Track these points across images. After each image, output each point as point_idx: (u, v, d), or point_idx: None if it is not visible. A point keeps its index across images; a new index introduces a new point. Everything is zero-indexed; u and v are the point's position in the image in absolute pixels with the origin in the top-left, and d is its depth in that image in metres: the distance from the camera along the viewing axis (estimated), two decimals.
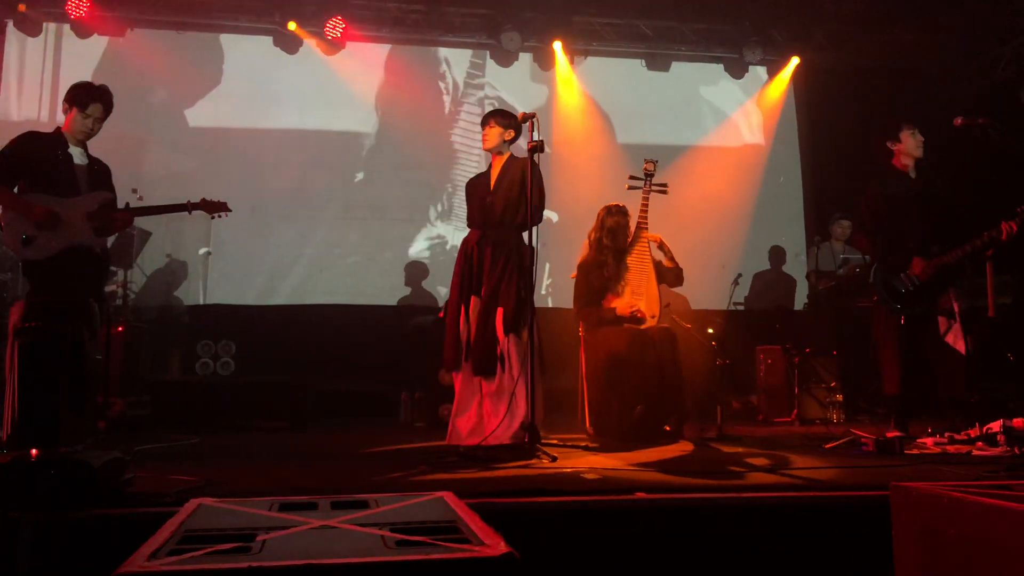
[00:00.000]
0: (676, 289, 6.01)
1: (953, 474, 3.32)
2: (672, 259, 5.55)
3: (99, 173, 4.63)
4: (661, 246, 5.50)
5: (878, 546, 2.19)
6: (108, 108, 4.58)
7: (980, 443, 4.19)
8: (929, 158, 5.11)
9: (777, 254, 8.56)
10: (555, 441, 4.57)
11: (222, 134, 8.37)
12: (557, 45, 8.60)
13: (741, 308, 7.92)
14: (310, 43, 8.34)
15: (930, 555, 1.97)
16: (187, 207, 4.82)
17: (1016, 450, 3.94)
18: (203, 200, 4.89)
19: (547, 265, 8.52)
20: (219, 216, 4.97)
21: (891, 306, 4.91)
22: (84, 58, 8.12)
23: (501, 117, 4.82)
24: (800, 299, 8.40)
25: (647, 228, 5.42)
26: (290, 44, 8.31)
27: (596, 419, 5.16)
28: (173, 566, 1.40)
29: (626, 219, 5.50)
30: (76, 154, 4.55)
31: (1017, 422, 4.11)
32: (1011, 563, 1.70)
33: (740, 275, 7.86)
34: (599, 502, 2.73)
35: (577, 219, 8.47)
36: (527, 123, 4.42)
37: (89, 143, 4.63)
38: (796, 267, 8.65)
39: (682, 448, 4.47)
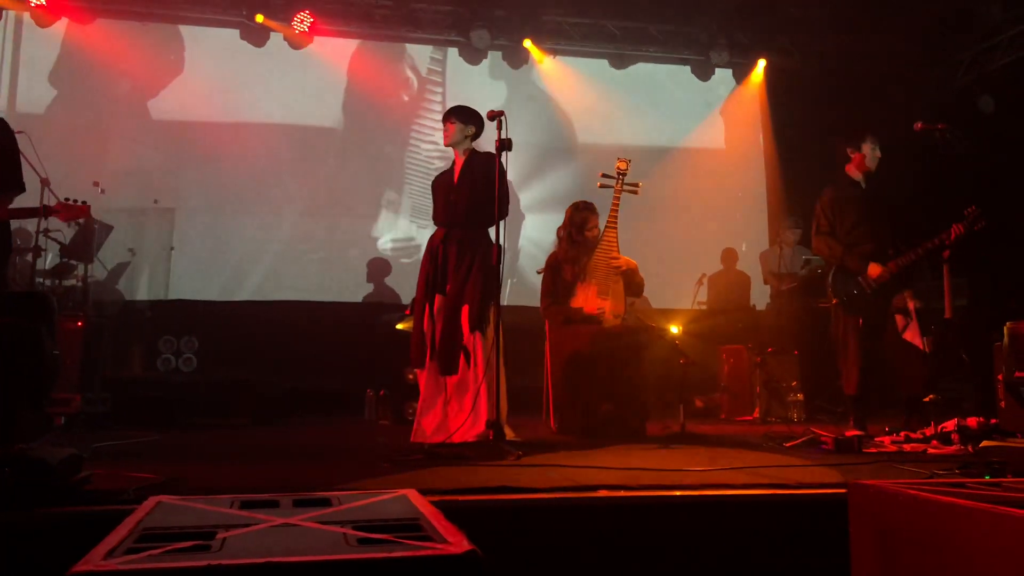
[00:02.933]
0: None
1: (909, 472, 3.39)
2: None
3: None
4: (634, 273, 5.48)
5: (836, 543, 2.23)
6: None
7: (935, 442, 4.28)
8: (890, 160, 5.20)
9: (729, 255, 8.59)
10: (519, 439, 4.57)
11: (186, 127, 8.25)
12: (527, 43, 8.61)
13: (703, 308, 8.00)
14: (277, 36, 8.25)
15: (886, 552, 2.00)
16: (41, 211, 4.07)
17: (970, 448, 4.03)
18: (61, 203, 4.17)
19: (513, 263, 8.52)
20: (77, 224, 4.15)
21: (849, 308, 5.00)
22: (45, 46, 7.94)
23: (461, 114, 4.81)
24: (756, 297, 8.44)
25: (616, 227, 5.42)
26: (257, 37, 8.21)
27: (560, 417, 5.18)
28: (129, 564, 1.37)
29: (594, 215, 5.51)
30: None
31: (971, 421, 4.21)
32: (964, 560, 1.74)
33: (704, 275, 7.95)
34: (562, 499, 2.74)
35: (541, 218, 8.51)
36: (495, 120, 4.41)
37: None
38: (749, 265, 8.63)
39: (645, 446, 4.50)
